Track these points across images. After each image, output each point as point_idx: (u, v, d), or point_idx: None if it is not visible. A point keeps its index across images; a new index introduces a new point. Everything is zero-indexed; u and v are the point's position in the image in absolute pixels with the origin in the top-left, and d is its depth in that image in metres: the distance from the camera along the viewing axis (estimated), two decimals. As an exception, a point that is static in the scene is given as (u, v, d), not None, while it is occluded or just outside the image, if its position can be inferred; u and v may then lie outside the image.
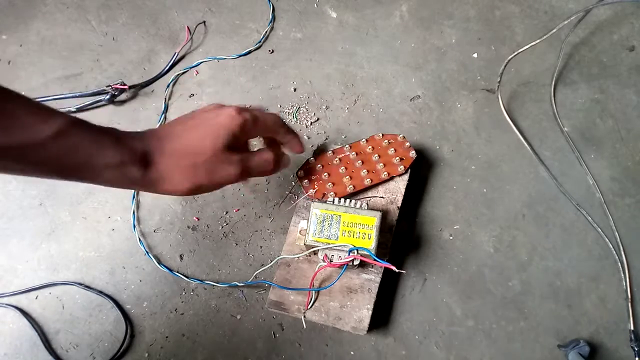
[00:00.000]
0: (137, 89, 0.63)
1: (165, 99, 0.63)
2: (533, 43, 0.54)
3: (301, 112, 0.62)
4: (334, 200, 0.48)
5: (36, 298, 0.54)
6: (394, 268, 0.42)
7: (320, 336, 0.52)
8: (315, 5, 0.69)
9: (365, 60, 0.65)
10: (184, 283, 0.54)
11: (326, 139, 0.61)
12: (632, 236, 0.55)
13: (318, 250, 0.45)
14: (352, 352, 0.51)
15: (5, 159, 0.31)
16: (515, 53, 0.55)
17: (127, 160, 0.34)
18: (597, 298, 0.53)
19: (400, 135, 0.55)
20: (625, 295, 0.53)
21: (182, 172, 0.37)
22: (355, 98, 0.63)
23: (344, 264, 0.45)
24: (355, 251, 0.44)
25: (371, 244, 0.44)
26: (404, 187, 0.53)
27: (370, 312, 0.48)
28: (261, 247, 0.56)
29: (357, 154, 0.53)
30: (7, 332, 0.52)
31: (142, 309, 0.53)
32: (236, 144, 0.39)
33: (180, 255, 0.55)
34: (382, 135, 0.55)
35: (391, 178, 0.53)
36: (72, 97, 0.61)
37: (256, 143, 0.51)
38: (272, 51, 0.66)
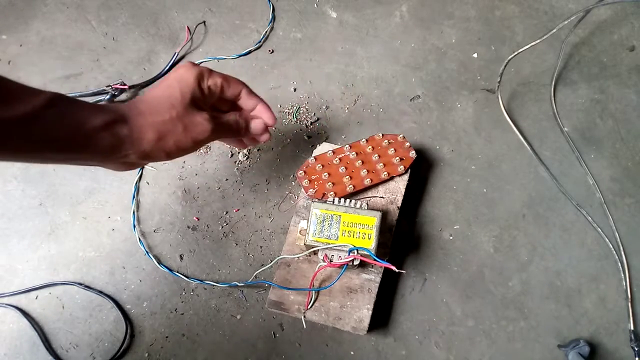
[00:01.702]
0: (137, 89, 0.63)
1: (165, 99, 0.63)
2: (533, 43, 0.54)
3: (301, 112, 0.62)
4: (334, 200, 0.48)
5: (36, 298, 0.54)
6: (394, 268, 0.42)
7: (320, 336, 0.52)
8: (315, 5, 0.69)
9: (365, 60, 0.65)
10: (184, 283, 0.54)
11: (326, 139, 0.61)
12: (632, 236, 0.55)
13: (318, 250, 0.45)
14: (352, 352, 0.51)
15: (5, 136, 0.31)
16: (515, 53, 0.55)
17: (116, 119, 0.35)
18: (597, 298, 0.53)
19: (400, 135, 0.55)
20: (625, 295, 0.53)
21: (156, 129, 0.37)
22: (355, 98, 0.63)
23: (344, 264, 0.45)
24: (355, 251, 0.44)
25: (371, 244, 0.44)
26: (404, 187, 0.53)
27: (370, 312, 0.48)
28: (261, 247, 0.56)
29: (357, 153, 0.53)
30: (7, 332, 0.52)
31: (142, 309, 0.53)
32: (201, 104, 0.40)
33: (180, 255, 0.55)
34: (382, 135, 0.55)
35: (391, 178, 0.53)
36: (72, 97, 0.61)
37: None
38: (272, 51, 0.66)
